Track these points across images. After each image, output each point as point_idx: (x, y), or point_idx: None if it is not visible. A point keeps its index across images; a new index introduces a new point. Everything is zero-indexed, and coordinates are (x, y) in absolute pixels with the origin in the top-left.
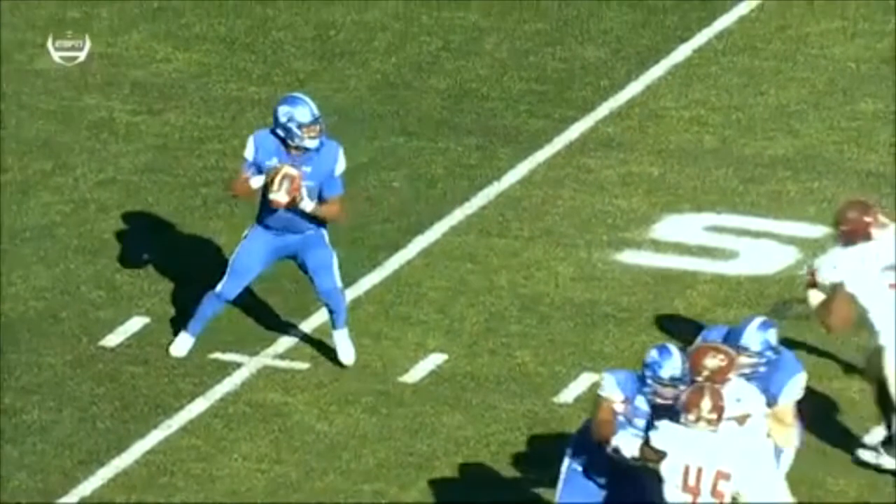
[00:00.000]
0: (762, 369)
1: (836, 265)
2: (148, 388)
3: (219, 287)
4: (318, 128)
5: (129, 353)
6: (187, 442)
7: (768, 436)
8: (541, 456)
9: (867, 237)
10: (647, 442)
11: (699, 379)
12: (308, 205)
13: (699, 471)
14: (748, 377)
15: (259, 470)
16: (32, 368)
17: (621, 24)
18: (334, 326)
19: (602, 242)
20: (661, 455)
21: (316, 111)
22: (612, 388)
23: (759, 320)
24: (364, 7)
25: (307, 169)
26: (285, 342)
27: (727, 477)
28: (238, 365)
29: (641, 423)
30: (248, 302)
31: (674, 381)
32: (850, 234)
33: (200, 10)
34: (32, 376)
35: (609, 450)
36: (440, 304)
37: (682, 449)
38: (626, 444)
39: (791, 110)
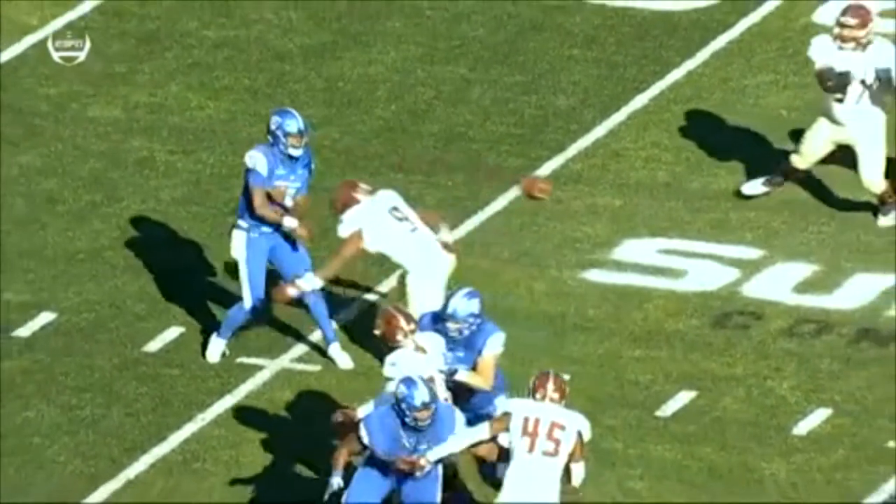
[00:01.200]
0: (467, 332)
1: (350, 221)
2: (183, 388)
3: (247, 304)
4: (302, 139)
5: (168, 357)
6: (217, 433)
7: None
8: None
9: (357, 203)
10: (491, 420)
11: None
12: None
13: (536, 420)
14: (456, 340)
15: (278, 456)
16: (85, 371)
17: (587, 77)
18: (328, 340)
19: (571, 263)
20: (506, 419)
21: (303, 125)
22: (367, 439)
23: (464, 291)
24: (368, 62)
25: (302, 172)
26: (300, 348)
27: (562, 427)
28: (260, 368)
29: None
30: (269, 314)
31: (426, 405)
32: (344, 205)
33: (228, 66)
34: (85, 377)
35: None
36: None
37: (522, 407)
38: (462, 442)
39: (731, 151)
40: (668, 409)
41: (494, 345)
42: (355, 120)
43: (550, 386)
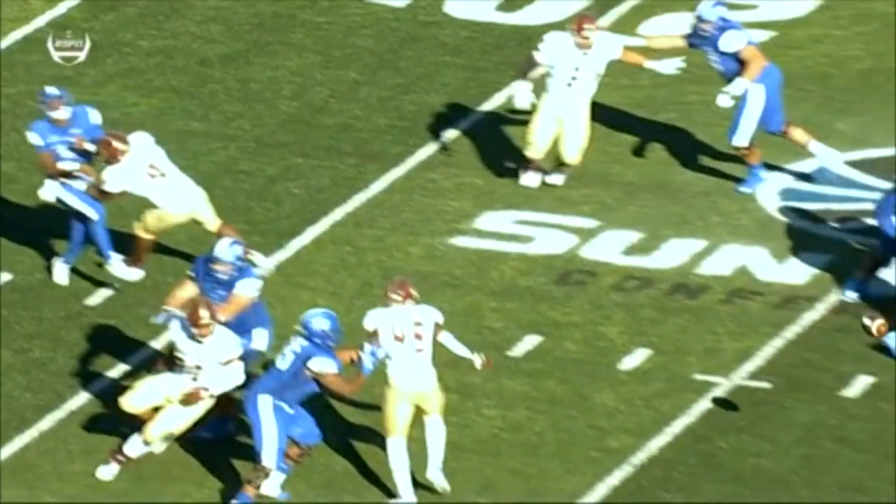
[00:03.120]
0: (234, 274)
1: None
2: (117, 333)
3: (94, 216)
4: (60, 102)
5: (105, 310)
6: (143, 373)
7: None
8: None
9: (117, 161)
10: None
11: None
12: (70, 166)
13: (400, 326)
14: (221, 281)
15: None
16: (36, 321)
17: (456, 80)
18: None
19: (441, 231)
20: (375, 334)
21: (57, 91)
22: (328, 366)
23: (229, 239)
24: (275, 67)
25: (77, 130)
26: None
27: (420, 323)
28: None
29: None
30: (177, 267)
31: (335, 333)
32: (107, 160)
33: (158, 70)
34: (36, 326)
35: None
36: (326, 275)
37: (384, 319)
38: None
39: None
40: (518, 350)
41: (245, 286)
42: (264, 114)
43: (391, 291)
